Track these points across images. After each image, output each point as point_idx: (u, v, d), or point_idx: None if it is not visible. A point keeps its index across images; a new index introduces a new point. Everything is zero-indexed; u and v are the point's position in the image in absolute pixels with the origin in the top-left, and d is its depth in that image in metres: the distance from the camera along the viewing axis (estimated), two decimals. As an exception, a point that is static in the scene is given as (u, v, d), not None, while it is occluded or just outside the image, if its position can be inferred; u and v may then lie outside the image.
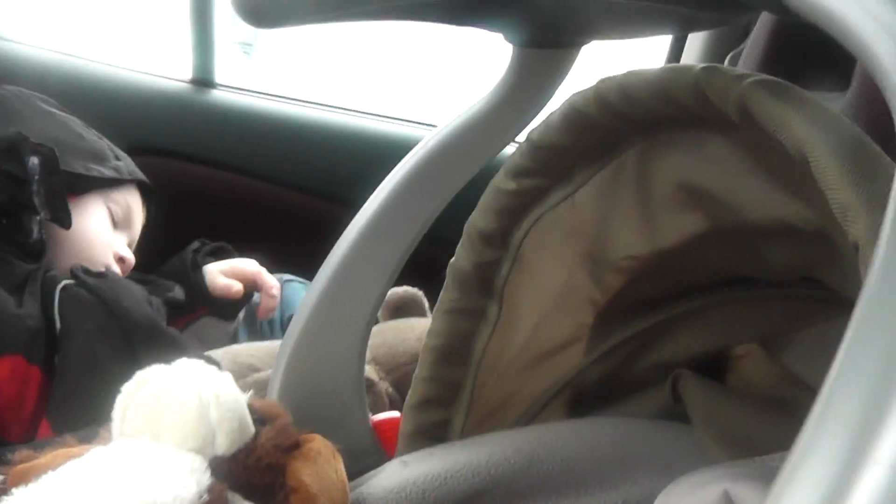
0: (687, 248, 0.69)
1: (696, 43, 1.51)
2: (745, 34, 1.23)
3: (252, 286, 1.48)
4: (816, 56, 0.96)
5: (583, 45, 0.72)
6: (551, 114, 0.69)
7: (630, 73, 0.62)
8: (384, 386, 1.19)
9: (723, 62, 1.19)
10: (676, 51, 1.58)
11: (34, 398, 1.12)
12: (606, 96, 0.63)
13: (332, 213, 1.67)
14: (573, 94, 0.66)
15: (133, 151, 1.53)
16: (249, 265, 1.49)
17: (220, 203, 1.83)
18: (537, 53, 0.73)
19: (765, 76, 0.52)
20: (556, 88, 0.75)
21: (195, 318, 1.45)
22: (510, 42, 0.72)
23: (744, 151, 0.60)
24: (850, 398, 0.29)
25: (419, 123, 1.82)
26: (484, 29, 0.67)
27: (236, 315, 1.50)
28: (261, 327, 1.53)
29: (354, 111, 1.85)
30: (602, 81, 0.64)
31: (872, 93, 0.82)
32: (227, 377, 0.63)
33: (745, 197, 0.62)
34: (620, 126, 0.66)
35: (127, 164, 1.45)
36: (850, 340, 0.30)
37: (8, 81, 1.54)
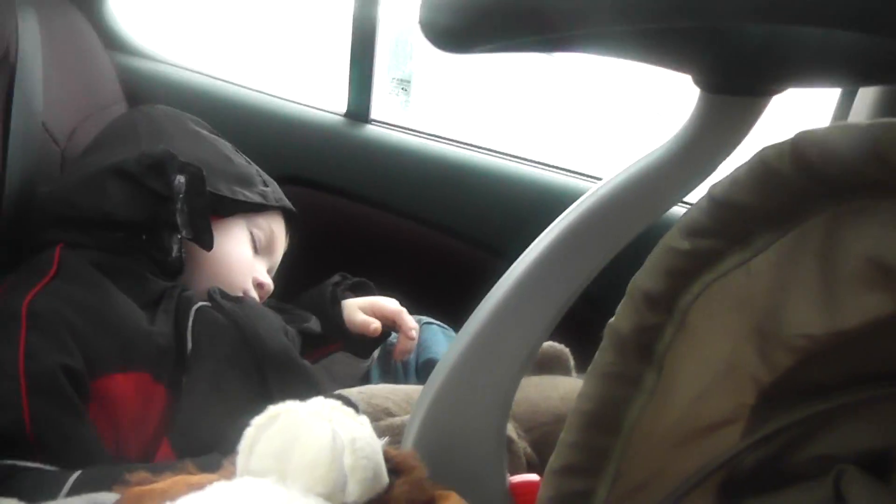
0: (869, 332, 0.63)
1: (865, 102, 1.43)
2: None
3: (391, 325, 1.46)
4: None
5: (777, 93, 0.67)
6: (737, 168, 0.64)
7: (834, 128, 0.57)
8: (523, 445, 1.15)
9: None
10: (844, 110, 1.50)
11: (157, 417, 1.11)
12: (805, 152, 0.58)
13: (479, 261, 1.67)
14: (764, 148, 0.61)
15: (281, 180, 1.54)
16: (390, 304, 1.47)
17: (365, 238, 1.83)
18: (727, 101, 0.69)
19: None
20: (741, 141, 0.71)
21: (328, 353, 1.43)
22: (699, 86, 0.68)
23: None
24: None
25: (584, 175, 1.74)
26: (674, 69, 0.63)
27: (371, 353, 1.48)
28: (395, 368, 1.52)
29: (513, 157, 1.79)
30: (801, 135, 0.58)
31: None
32: (365, 421, 0.61)
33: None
34: (814, 187, 0.60)
35: (274, 191, 1.46)
36: None
37: (163, 102, 1.57)
